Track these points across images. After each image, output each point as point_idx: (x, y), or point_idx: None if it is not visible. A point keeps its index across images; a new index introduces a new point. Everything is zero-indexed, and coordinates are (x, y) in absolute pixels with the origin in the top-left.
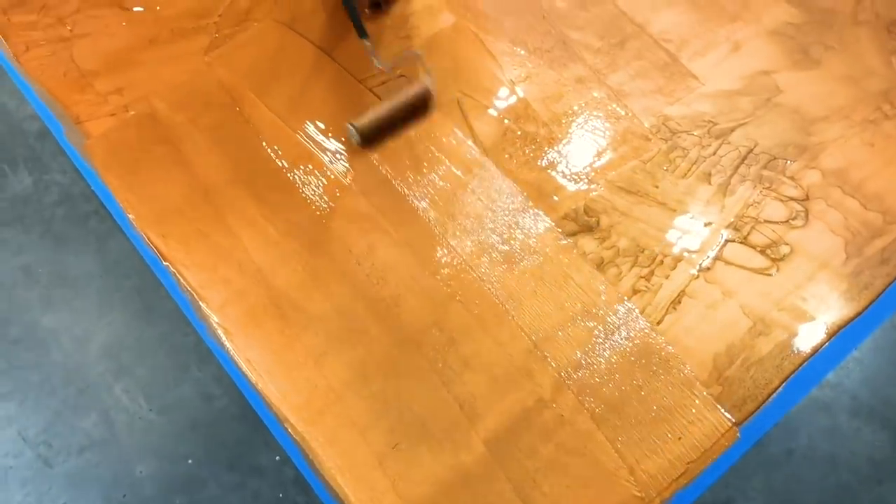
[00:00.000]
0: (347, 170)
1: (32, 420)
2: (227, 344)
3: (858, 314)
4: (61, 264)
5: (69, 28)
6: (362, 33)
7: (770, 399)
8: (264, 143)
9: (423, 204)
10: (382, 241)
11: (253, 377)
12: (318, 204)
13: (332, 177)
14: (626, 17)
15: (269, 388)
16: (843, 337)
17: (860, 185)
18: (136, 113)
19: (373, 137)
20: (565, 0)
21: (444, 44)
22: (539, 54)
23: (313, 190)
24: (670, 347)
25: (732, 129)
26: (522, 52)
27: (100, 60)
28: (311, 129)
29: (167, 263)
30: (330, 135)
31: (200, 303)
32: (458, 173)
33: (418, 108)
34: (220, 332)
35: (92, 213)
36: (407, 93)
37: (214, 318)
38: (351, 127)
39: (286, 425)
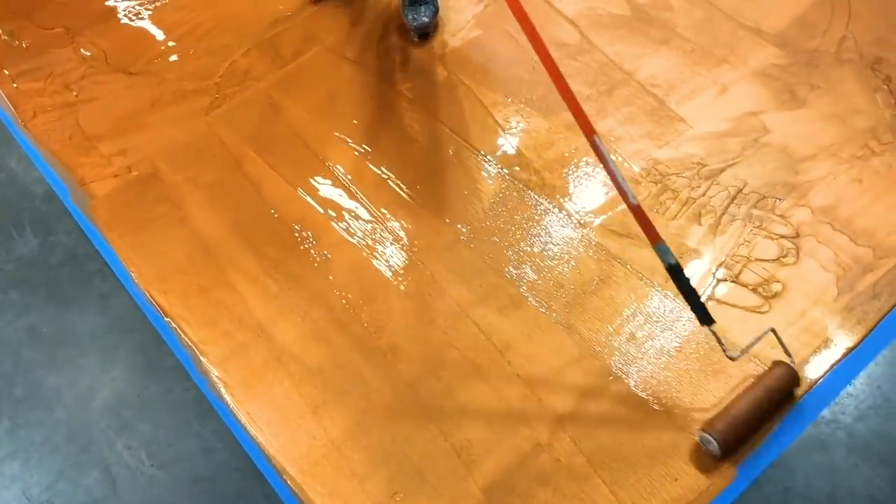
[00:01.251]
0: (346, 223)
1: (36, 478)
2: (228, 398)
3: (852, 349)
4: (66, 323)
5: (75, 93)
6: (707, 320)
7: (766, 437)
8: (264, 200)
9: (422, 255)
10: (381, 290)
11: (252, 430)
12: (317, 257)
13: (331, 230)
14: (615, 65)
15: (268, 440)
16: (837, 373)
17: (850, 221)
18: (138, 173)
19: (734, 443)
20: (555, 50)
21: (440, 95)
22: (530, 103)
23: (312, 243)
24: (666, 388)
25: (721, 170)
26: (514, 102)
27: (104, 124)
28: (310, 184)
29: (168, 319)
30: (329, 189)
31: (201, 357)
32: (456, 224)
33: (783, 396)
34: (220, 386)
35: (96, 273)
36: (767, 381)
37: (215, 373)
38: (707, 435)
39: (285, 477)
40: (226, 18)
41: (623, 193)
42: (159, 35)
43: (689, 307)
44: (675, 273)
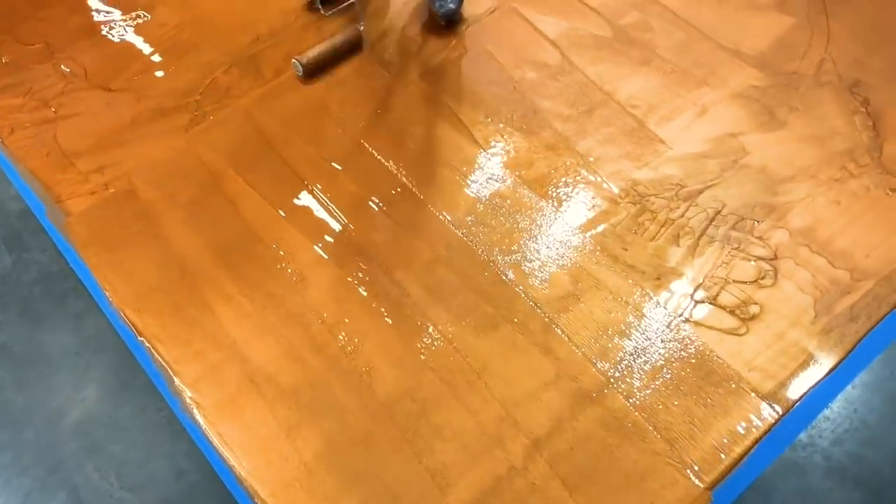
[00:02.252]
0: (324, 242)
1: (2, 501)
2: (200, 419)
3: (829, 373)
4: (37, 342)
5: (53, 110)
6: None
7: (742, 461)
8: (242, 218)
9: (399, 275)
10: (357, 310)
11: (224, 451)
12: (293, 276)
13: (309, 249)
14: (595, 86)
15: (240, 462)
16: (813, 396)
17: (827, 243)
18: (115, 191)
19: (314, 72)
20: (535, 70)
21: (419, 114)
22: (510, 123)
23: (289, 263)
24: (640, 413)
25: (700, 192)
26: (494, 122)
27: (82, 140)
28: (289, 202)
29: (142, 338)
30: (308, 208)
31: (174, 378)
32: (434, 244)
33: (353, 47)
34: (192, 406)
35: (70, 291)
36: (344, 34)
37: (188, 393)
38: (295, 61)
39: (257, 500)
40: (207, 36)
41: None
42: (140, 52)
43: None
44: None
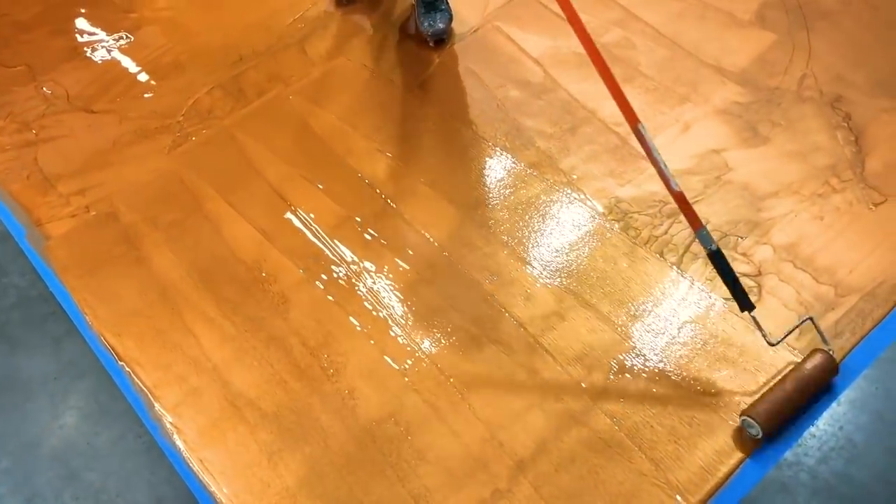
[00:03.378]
0: (306, 264)
1: None
2: (180, 444)
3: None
4: (15, 367)
5: (35, 132)
6: (748, 306)
7: (728, 481)
8: (224, 240)
9: (383, 295)
10: (340, 332)
11: (205, 478)
12: (275, 298)
13: (291, 271)
14: (578, 103)
15: (221, 489)
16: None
17: (811, 259)
18: (97, 213)
19: (776, 427)
20: (519, 89)
21: (404, 135)
22: (495, 141)
23: (271, 285)
24: (626, 433)
25: None
26: (480, 139)
27: (63, 163)
28: (271, 224)
29: (122, 363)
30: (290, 229)
31: (154, 403)
32: (418, 264)
33: (821, 384)
34: (173, 432)
35: (49, 315)
36: (805, 369)
37: (168, 418)
38: (749, 419)
39: None
40: (190, 57)
41: (666, 180)
42: (123, 73)
43: (729, 294)
44: (717, 259)
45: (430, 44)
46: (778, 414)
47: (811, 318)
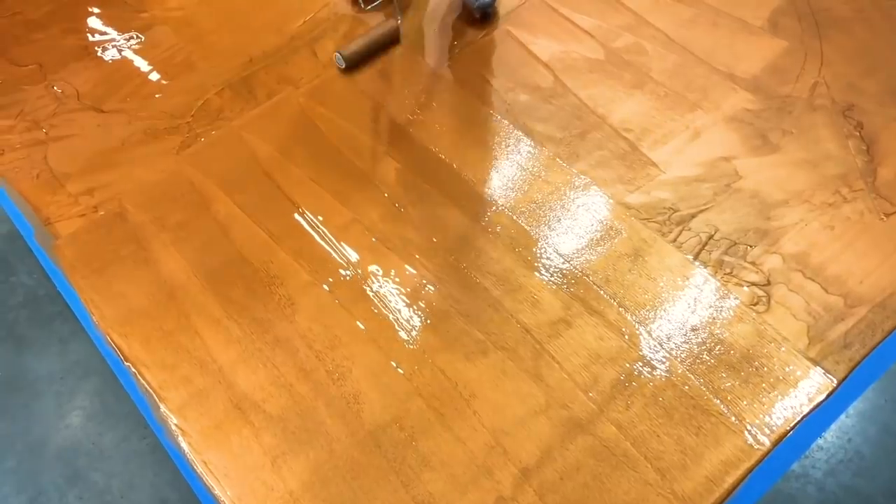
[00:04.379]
0: (314, 266)
1: None
2: (185, 446)
3: (822, 402)
4: (21, 367)
5: (45, 131)
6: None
7: (734, 492)
8: (231, 241)
9: (389, 300)
10: (346, 336)
11: (209, 480)
12: (282, 301)
13: (298, 273)
14: (588, 109)
15: (225, 491)
16: (807, 425)
17: (821, 269)
18: (105, 213)
19: (355, 64)
20: (528, 93)
21: (408, 142)
22: (502, 146)
23: (278, 287)
24: (632, 442)
25: (693, 216)
26: (486, 146)
27: (73, 162)
28: (279, 225)
29: (128, 363)
30: (298, 231)
31: (160, 404)
32: (424, 268)
33: (391, 40)
34: (177, 433)
35: (56, 315)
36: (381, 28)
37: (173, 420)
38: (337, 54)
39: None
40: (200, 57)
41: None
42: (133, 73)
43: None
44: None
45: (477, 16)
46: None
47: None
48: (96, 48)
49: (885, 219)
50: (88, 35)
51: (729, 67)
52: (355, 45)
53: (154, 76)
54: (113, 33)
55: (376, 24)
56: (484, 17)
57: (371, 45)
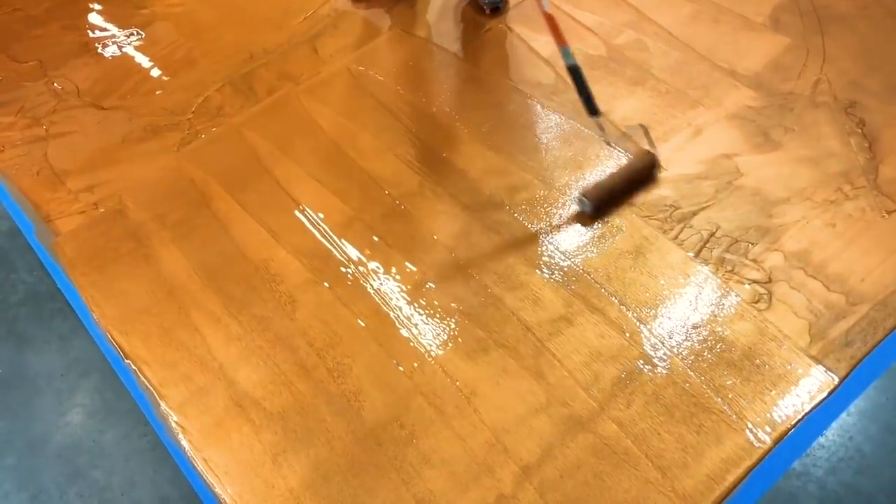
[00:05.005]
0: (314, 264)
1: None
2: (185, 444)
3: (824, 400)
4: (21, 364)
5: (45, 128)
6: (594, 111)
7: (735, 490)
8: (231, 238)
9: (390, 297)
10: (346, 333)
11: (209, 478)
12: (282, 298)
13: (298, 271)
14: None
15: (225, 489)
16: (808, 423)
17: (822, 267)
18: (105, 210)
19: (604, 206)
20: (530, 90)
21: (407, 138)
22: (505, 144)
23: (278, 284)
24: (632, 440)
25: (694, 213)
26: (488, 142)
27: (73, 159)
28: (279, 223)
29: (128, 361)
30: (298, 228)
31: (160, 401)
32: (425, 266)
33: (645, 177)
34: (178, 431)
35: (57, 312)
36: (633, 163)
37: (174, 417)
38: (582, 198)
39: None
40: (201, 54)
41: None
42: (134, 70)
43: (583, 105)
44: (575, 74)
45: (487, 11)
46: (606, 193)
47: (641, 125)
48: (96, 45)
49: (886, 216)
50: (88, 31)
51: (731, 64)
52: (601, 187)
53: (154, 73)
54: (113, 30)
55: (626, 161)
56: (494, 11)
57: (622, 185)
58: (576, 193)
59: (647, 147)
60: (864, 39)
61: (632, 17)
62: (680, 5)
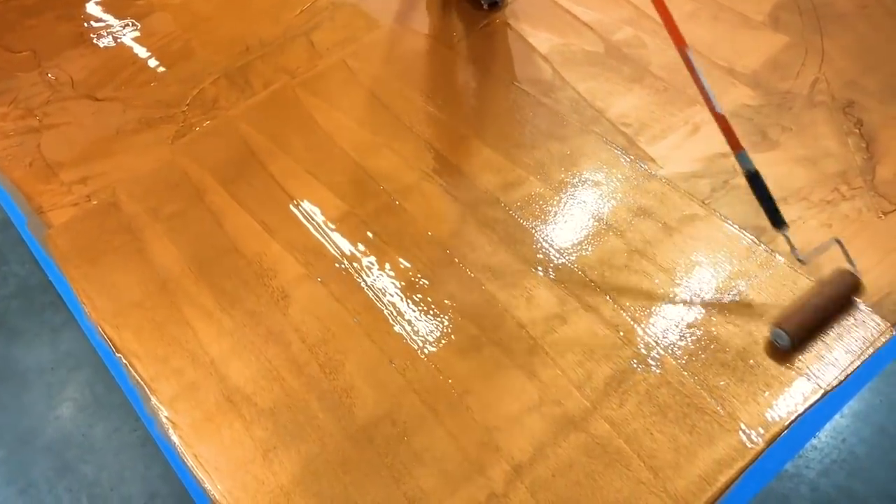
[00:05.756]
0: (307, 259)
1: None
2: (175, 439)
3: (817, 401)
4: (12, 357)
5: (38, 119)
6: (780, 222)
7: (727, 491)
8: (225, 232)
9: (384, 293)
10: (339, 329)
11: (199, 473)
12: (275, 293)
13: (292, 266)
14: (586, 102)
15: (215, 485)
16: (801, 425)
17: (818, 267)
18: (98, 202)
19: (804, 339)
20: (527, 86)
21: (404, 135)
22: (501, 140)
23: (271, 279)
24: (625, 440)
25: None
26: (484, 139)
27: (66, 150)
28: (273, 217)
29: (119, 355)
30: (293, 223)
31: (151, 396)
32: (420, 262)
33: (845, 300)
34: (168, 426)
35: (48, 305)
36: (833, 283)
37: (164, 412)
38: (780, 331)
39: None
40: (197, 46)
41: (708, 102)
42: (129, 61)
43: (764, 213)
44: (755, 181)
45: (485, 7)
46: (805, 325)
47: (837, 240)
48: (92, 35)
49: (883, 217)
50: (84, 22)
51: (729, 62)
52: (802, 318)
53: (150, 64)
54: (109, 20)
55: (817, 284)
56: (492, 6)
57: (823, 316)
58: (773, 327)
59: (847, 266)
60: (863, 39)
61: (630, 13)
62: (679, 2)
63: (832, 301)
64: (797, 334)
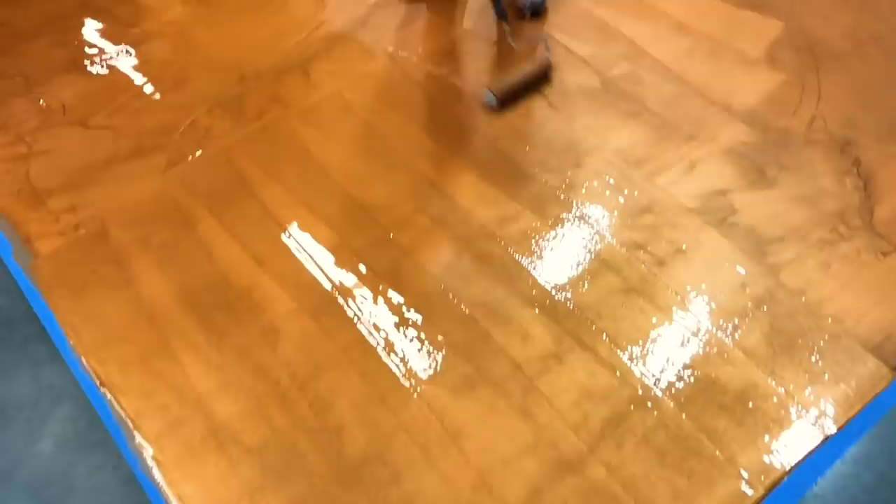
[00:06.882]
0: (298, 293)
1: None
2: (159, 478)
3: (819, 446)
4: None
5: (28, 145)
6: (503, 16)
7: None
8: (215, 264)
9: (376, 329)
10: (330, 366)
11: None
12: (265, 327)
13: (282, 299)
14: (582, 137)
15: None
16: (801, 471)
17: (818, 307)
18: (86, 231)
19: (507, 101)
20: (522, 119)
21: (402, 162)
22: (496, 174)
23: (261, 313)
24: (622, 485)
25: None
26: (479, 172)
27: (55, 178)
28: (265, 249)
29: (104, 389)
30: (284, 255)
31: (135, 432)
32: (414, 297)
33: (542, 77)
34: (152, 464)
35: (32, 336)
36: (533, 64)
37: (148, 450)
38: (488, 92)
39: None
40: (191, 74)
41: None
42: (122, 88)
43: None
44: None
45: (527, 16)
46: (508, 89)
47: (544, 39)
48: (86, 61)
49: (882, 258)
50: (78, 48)
51: (726, 99)
52: (507, 83)
53: (143, 92)
54: (103, 46)
55: (527, 60)
56: (534, 15)
57: (525, 82)
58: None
59: (546, 53)
60: (859, 78)
61: (627, 49)
62: (676, 39)
63: (532, 76)
64: (503, 96)
